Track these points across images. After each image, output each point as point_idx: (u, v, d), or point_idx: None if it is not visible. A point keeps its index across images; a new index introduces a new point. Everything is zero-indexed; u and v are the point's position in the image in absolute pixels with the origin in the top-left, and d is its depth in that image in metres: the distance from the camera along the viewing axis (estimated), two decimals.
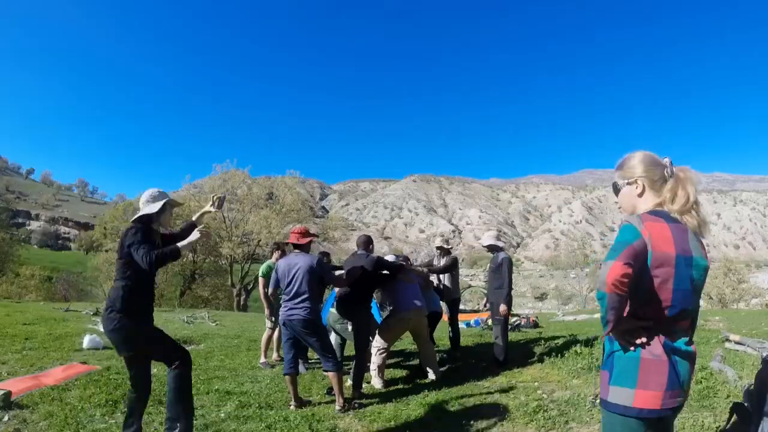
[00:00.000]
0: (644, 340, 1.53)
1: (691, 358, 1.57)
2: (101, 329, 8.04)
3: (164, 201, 3.01)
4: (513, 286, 5.52)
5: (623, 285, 1.44)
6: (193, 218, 3.29)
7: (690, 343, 1.58)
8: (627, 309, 1.56)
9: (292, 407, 3.95)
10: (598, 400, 3.53)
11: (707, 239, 1.69)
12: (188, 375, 2.98)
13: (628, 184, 1.71)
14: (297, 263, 4.05)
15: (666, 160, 1.68)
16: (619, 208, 1.77)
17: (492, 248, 5.58)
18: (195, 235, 2.96)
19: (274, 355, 6.24)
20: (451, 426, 3.48)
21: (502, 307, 5.23)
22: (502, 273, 5.31)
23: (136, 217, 3.00)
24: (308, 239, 4.28)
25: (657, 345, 1.53)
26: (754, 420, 2.41)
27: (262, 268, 6.26)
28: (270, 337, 6.15)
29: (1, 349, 5.83)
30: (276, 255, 6.32)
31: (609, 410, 1.57)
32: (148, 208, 2.97)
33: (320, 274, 4.06)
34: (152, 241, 2.87)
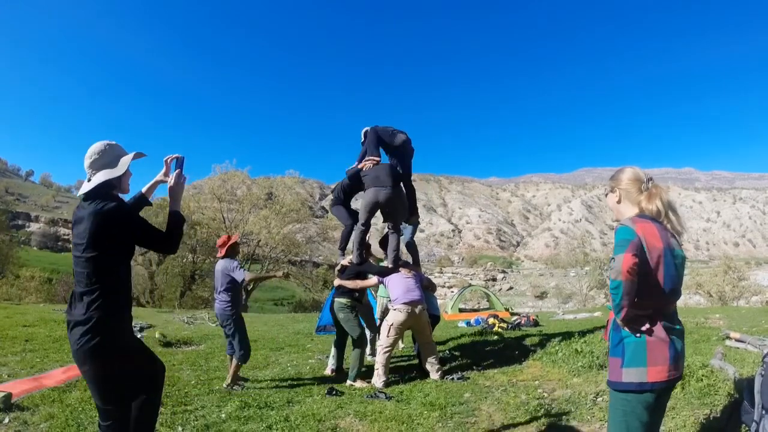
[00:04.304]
0: (648, 326, 1.86)
1: (682, 334, 1.94)
2: None
3: (129, 157, 2.21)
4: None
5: (634, 272, 1.78)
6: (143, 190, 2.54)
7: (679, 322, 1.95)
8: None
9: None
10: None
11: (692, 237, 1.98)
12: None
13: (611, 191, 2.12)
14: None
15: (646, 177, 2.04)
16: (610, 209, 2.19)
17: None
18: (160, 176, 2.41)
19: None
20: (452, 425, 3.49)
21: None
22: None
23: (94, 186, 2.11)
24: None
25: (659, 328, 1.86)
26: (755, 418, 2.42)
27: None
28: None
29: (1, 351, 5.82)
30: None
31: (624, 389, 1.87)
32: (104, 172, 2.13)
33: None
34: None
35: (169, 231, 2.21)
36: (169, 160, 2.41)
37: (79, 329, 2.01)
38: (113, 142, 2.23)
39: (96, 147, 2.18)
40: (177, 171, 2.33)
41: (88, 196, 2.12)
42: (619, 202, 2.08)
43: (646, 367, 1.82)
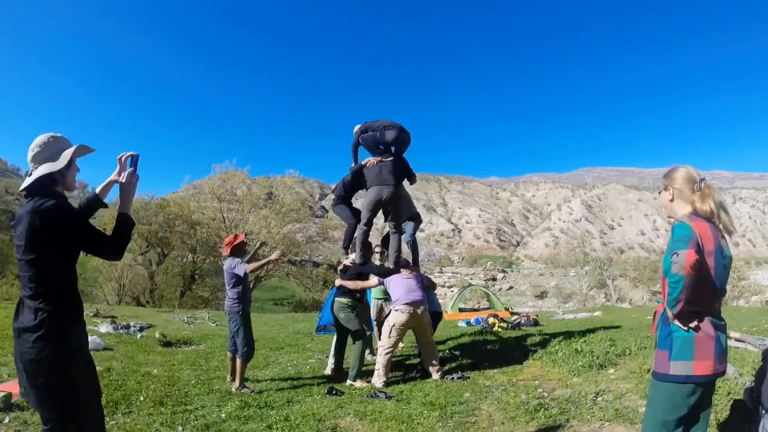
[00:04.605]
0: (697, 322, 1.94)
1: (725, 329, 2.02)
2: (101, 330, 8.04)
3: (72, 150, 2.02)
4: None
5: (696, 268, 1.84)
6: (97, 190, 2.32)
7: (723, 319, 2.03)
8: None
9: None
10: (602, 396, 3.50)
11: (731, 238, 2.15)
12: None
13: (665, 189, 2.18)
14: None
15: (698, 178, 2.09)
16: (663, 207, 2.25)
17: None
18: (114, 178, 2.17)
19: None
20: (452, 425, 3.49)
21: None
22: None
23: (32, 181, 1.96)
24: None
25: (707, 324, 1.95)
26: (755, 417, 2.41)
27: None
28: None
29: (1, 350, 5.82)
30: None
31: (671, 381, 1.96)
32: (45, 166, 1.98)
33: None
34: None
35: (115, 236, 2.01)
36: (123, 158, 2.20)
37: (29, 336, 1.85)
38: (59, 135, 2.06)
39: (39, 139, 2.01)
40: (130, 169, 2.16)
41: (29, 192, 1.97)
42: (672, 200, 2.15)
43: (692, 361, 1.93)
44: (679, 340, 1.97)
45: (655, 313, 2.18)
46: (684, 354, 1.94)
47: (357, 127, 5.92)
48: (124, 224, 2.05)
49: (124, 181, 2.14)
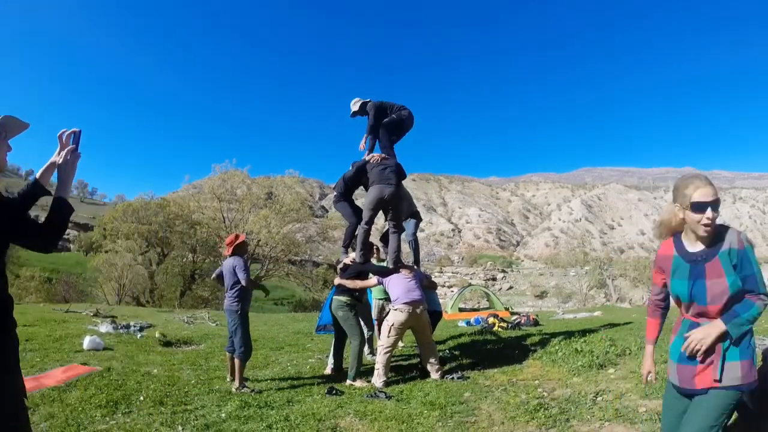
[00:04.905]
0: None
1: None
2: (101, 330, 8.04)
3: None
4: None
5: None
6: (37, 175, 2.03)
7: None
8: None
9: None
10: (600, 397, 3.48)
11: None
12: None
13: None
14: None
15: None
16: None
17: None
18: (55, 158, 1.93)
19: None
20: (452, 425, 3.49)
21: None
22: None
23: None
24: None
25: None
26: (756, 418, 2.41)
27: None
28: None
29: None
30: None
31: (747, 390, 1.89)
32: None
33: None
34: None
35: (47, 223, 1.74)
36: (64, 136, 1.94)
37: None
38: None
39: None
40: (71, 146, 1.93)
41: None
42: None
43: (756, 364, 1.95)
44: (753, 346, 1.95)
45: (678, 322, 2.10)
46: (755, 357, 1.95)
47: (360, 102, 5.94)
48: (58, 210, 1.77)
49: (61, 160, 1.90)
